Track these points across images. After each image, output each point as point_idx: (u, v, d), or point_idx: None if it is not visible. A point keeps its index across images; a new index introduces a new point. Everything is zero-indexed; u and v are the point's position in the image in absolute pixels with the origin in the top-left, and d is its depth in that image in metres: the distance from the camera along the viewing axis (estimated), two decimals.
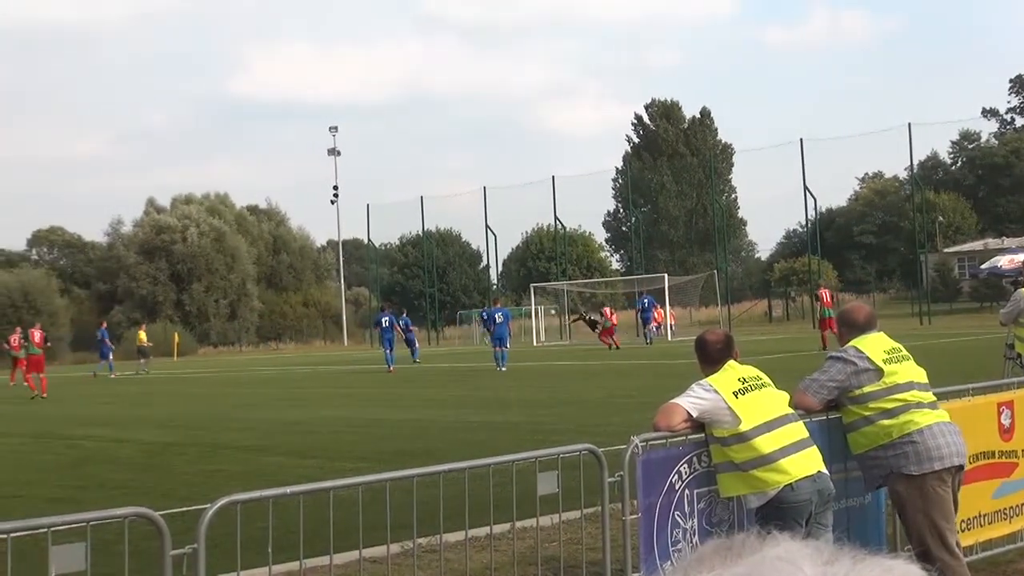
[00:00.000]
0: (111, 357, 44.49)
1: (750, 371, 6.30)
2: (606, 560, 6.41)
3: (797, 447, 6.03)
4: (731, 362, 6.28)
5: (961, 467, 6.45)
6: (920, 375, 6.61)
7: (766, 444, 5.96)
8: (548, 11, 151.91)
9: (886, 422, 6.40)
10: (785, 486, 5.91)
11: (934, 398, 6.61)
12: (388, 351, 35.34)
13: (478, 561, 7.52)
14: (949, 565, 6.24)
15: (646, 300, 48.87)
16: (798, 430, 6.13)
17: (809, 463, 6.03)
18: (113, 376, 42.44)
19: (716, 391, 6.10)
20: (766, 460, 5.95)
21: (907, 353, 6.66)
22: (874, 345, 6.56)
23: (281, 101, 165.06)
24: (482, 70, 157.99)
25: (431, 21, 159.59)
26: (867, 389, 6.45)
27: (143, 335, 48.26)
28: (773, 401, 6.16)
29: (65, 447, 17.78)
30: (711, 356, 6.32)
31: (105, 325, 46.99)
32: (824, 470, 6.11)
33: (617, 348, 42.61)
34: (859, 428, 6.52)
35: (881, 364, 6.45)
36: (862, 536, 6.72)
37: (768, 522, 5.74)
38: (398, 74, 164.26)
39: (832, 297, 36.93)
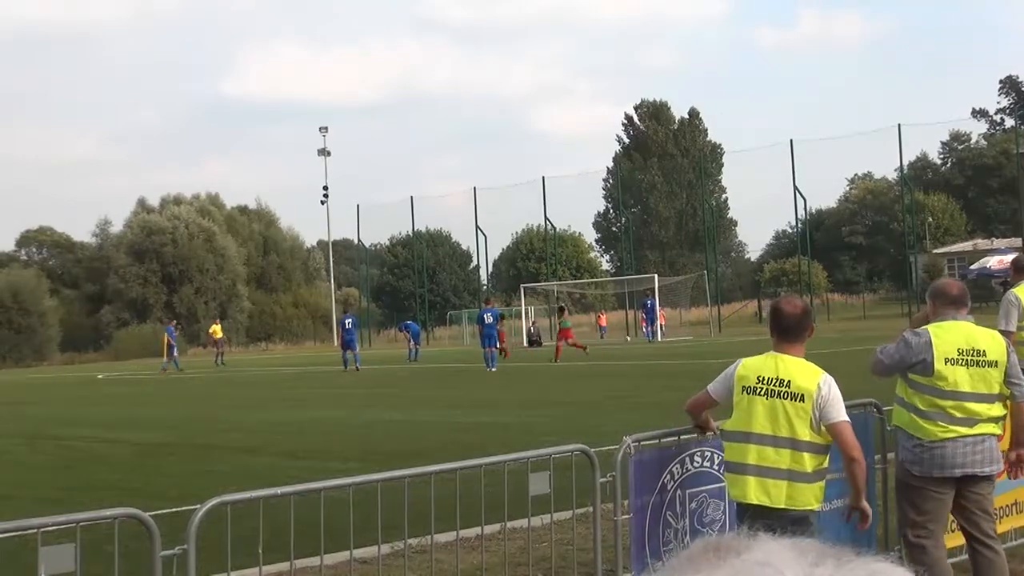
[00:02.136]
0: (176, 353, 46.33)
1: (786, 370, 5.70)
2: (597, 560, 6.41)
3: (770, 473, 5.65)
4: (788, 357, 5.74)
5: (973, 477, 6.35)
6: (984, 386, 6.33)
7: (739, 455, 5.75)
8: (539, 12, 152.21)
9: (913, 417, 6.36)
10: (739, 503, 5.79)
11: (984, 412, 6.33)
12: (351, 352, 37.35)
13: (469, 562, 7.52)
14: (929, 552, 6.29)
15: (649, 301, 50.23)
16: (787, 458, 5.64)
17: (766, 495, 5.64)
18: (178, 371, 44.04)
19: (734, 374, 5.79)
20: (734, 469, 5.80)
21: (990, 358, 6.34)
22: (952, 339, 6.32)
23: (272, 102, 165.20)
24: (473, 71, 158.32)
25: (422, 23, 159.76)
26: (913, 376, 6.36)
27: (218, 329, 50.92)
28: (776, 416, 5.66)
29: (56, 447, 17.73)
30: (783, 327, 5.80)
31: (174, 323, 49.30)
32: (782, 507, 5.63)
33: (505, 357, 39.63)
34: (897, 406, 6.53)
35: (941, 365, 6.26)
36: (852, 537, 6.73)
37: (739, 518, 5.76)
38: (389, 75, 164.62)
39: (569, 311, 39.22)
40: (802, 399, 5.63)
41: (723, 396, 5.93)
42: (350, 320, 38.87)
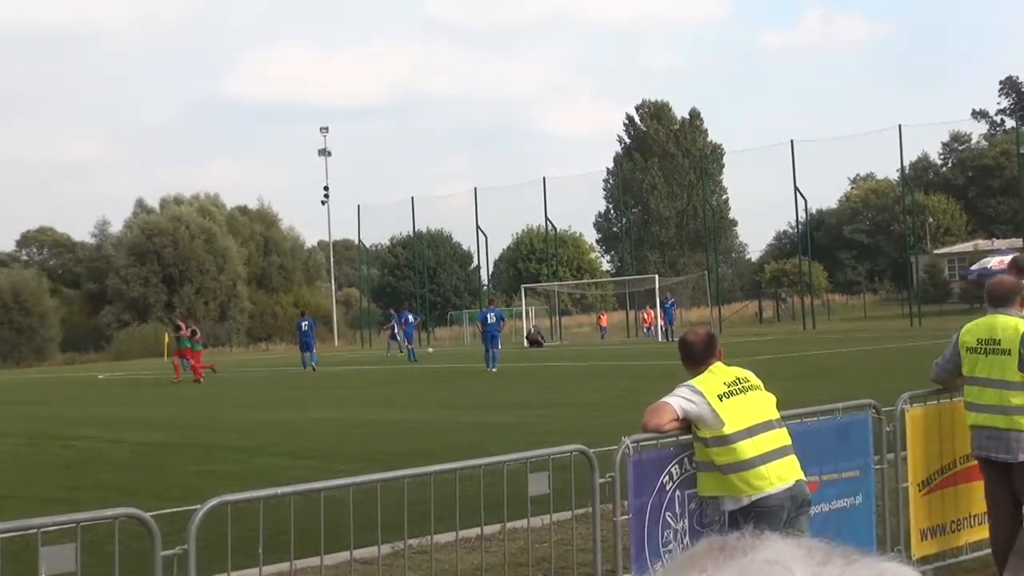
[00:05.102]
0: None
1: (737, 373, 6.22)
2: (597, 561, 6.41)
3: (778, 454, 5.97)
4: (717, 364, 6.18)
5: (1007, 463, 6.69)
6: (997, 372, 6.70)
7: (748, 450, 5.90)
8: (541, 13, 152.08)
9: (968, 411, 6.87)
10: (760, 496, 5.88)
11: (999, 400, 6.69)
12: (307, 353, 38.97)
13: (469, 562, 7.52)
14: (991, 531, 7.04)
15: (668, 302, 51.31)
16: (780, 437, 6.08)
17: (787, 471, 5.97)
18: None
19: (702, 394, 6.02)
20: (747, 465, 5.89)
21: (1003, 346, 6.67)
22: (976, 331, 6.81)
23: (273, 102, 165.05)
24: (474, 72, 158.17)
25: (424, 24, 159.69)
26: (963, 371, 6.90)
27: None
28: (757, 406, 6.07)
29: (58, 447, 17.73)
30: (694, 357, 6.25)
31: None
32: (802, 478, 6.05)
33: (175, 380, 35.03)
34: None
35: (964, 353, 6.82)
36: (852, 537, 6.73)
37: (741, 525, 5.74)
38: (390, 76, 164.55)
39: (192, 327, 36.78)
40: (762, 388, 6.24)
41: (694, 413, 6.02)
42: (306, 323, 40.37)
